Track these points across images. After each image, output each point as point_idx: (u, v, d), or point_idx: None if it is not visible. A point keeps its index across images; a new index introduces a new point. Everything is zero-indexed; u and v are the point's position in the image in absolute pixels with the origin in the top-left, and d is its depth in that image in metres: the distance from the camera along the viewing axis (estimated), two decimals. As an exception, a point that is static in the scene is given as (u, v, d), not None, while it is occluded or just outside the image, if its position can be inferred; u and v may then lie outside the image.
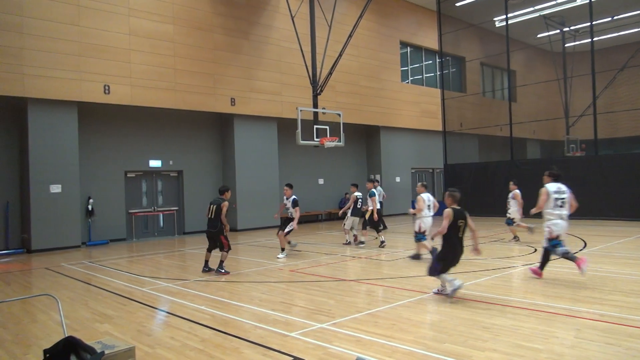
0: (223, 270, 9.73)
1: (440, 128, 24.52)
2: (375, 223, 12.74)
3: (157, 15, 16.50)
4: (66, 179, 14.84)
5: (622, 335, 5.17)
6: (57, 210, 14.60)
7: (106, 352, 4.30)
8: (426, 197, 10.49)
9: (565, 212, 8.04)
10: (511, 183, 13.43)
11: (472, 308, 6.47)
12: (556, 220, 7.99)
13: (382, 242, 12.81)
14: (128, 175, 17.27)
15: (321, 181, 22.73)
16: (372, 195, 12.78)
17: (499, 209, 21.14)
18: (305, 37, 17.71)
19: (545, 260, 8.19)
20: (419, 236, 10.45)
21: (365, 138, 24.86)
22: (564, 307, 6.36)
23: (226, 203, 9.90)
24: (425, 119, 25.82)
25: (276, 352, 5.02)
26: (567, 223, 8.10)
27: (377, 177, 24.06)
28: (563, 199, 8.04)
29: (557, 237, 7.99)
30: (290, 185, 11.98)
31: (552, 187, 8.10)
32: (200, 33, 17.56)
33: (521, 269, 9.17)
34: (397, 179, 24.71)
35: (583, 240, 12.77)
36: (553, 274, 8.50)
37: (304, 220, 21.74)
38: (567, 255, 7.92)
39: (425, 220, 10.42)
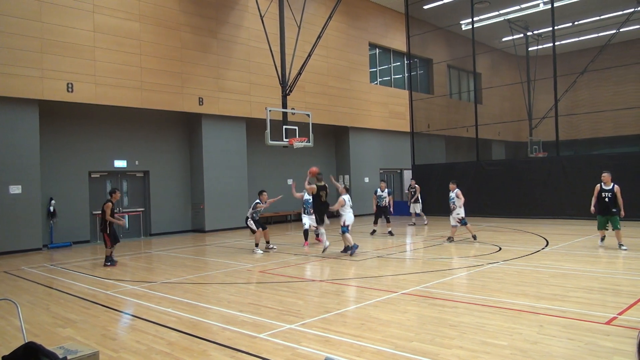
0: (109, 264, 11.12)
1: (408, 129, 24.82)
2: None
3: (123, 12, 16.16)
4: (26, 179, 14.37)
5: (582, 331, 5.33)
6: (17, 211, 14.13)
7: (69, 357, 4.18)
8: (347, 198, 11.87)
9: None
10: (452, 183, 13.56)
11: (439, 307, 6.56)
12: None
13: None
14: (92, 175, 16.84)
15: (290, 182, 22.64)
16: None
17: (466, 209, 21.67)
18: (275, 37, 17.64)
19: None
20: (343, 229, 11.70)
21: (334, 139, 24.94)
22: (528, 304, 6.52)
23: (108, 204, 11.17)
24: (393, 120, 26.07)
25: (244, 354, 4.98)
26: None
27: (346, 177, 24.20)
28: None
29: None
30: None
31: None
32: (167, 31, 17.27)
33: (487, 267, 9.35)
34: (366, 180, 24.88)
35: (545, 239, 13.13)
36: (518, 272, 8.71)
37: (273, 221, 21.67)
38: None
39: (348, 216, 11.80)
